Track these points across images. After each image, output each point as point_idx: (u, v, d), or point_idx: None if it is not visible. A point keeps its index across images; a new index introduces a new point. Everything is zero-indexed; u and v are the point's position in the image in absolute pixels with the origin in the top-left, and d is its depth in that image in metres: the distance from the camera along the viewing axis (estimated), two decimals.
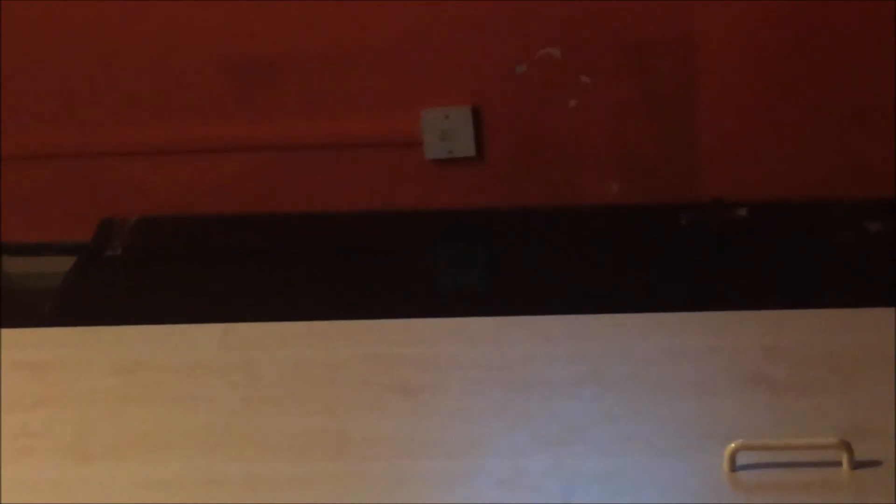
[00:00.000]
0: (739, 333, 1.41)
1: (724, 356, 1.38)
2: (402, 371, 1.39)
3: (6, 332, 1.48)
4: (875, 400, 1.31)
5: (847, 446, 1.23)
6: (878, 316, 1.41)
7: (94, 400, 1.38)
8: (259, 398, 1.37)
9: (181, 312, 1.99)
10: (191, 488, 1.27)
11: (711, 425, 1.29)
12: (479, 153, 2.32)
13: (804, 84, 2.22)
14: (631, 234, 2.23)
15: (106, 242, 2.27)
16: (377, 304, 2.04)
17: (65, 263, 2.27)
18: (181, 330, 1.48)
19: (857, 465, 1.23)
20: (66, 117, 2.36)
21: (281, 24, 2.25)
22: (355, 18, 2.23)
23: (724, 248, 2.16)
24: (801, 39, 2.19)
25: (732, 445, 1.24)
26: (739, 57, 2.21)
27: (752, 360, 1.37)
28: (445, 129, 2.29)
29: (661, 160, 2.30)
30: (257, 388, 1.38)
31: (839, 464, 1.23)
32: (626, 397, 1.34)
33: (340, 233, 2.30)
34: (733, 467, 1.24)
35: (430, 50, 2.25)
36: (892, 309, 1.41)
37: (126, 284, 2.17)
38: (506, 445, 1.29)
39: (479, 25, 2.22)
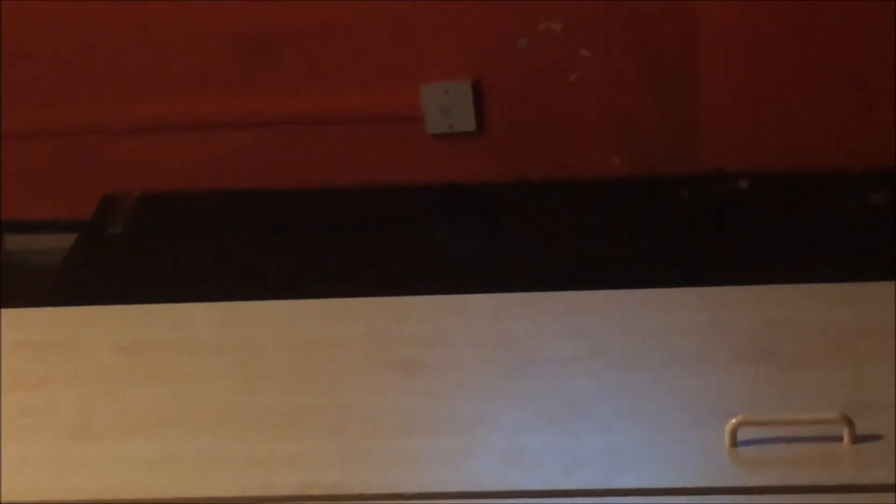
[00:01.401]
0: (741, 308, 1.41)
1: (725, 331, 1.38)
2: (403, 348, 1.39)
3: (8, 311, 1.49)
4: (876, 374, 1.31)
5: (848, 421, 1.23)
6: (879, 290, 1.41)
7: (95, 379, 1.38)
8: (260, 376, 1.37)
9: (182, 290, 2.00)
10: (193, 466, 1.27)
11: (713, 401, 1.29)
12: (480, 127, 2.31)
13: (805, 55, 2.22)
14: (632, 207, 2.23)
15: (107, 219, 2.26)
16: (378, 280, 2.04)
17: (66, 241, 2.26)
18: (182, 309, 1.48)
19: (857, 439, 1.23)
20: (66, 93, 2.36)
21: None
22: None
23: (725, 220, 2.16)
24: (801, 10, 2.18)
25: (734, 421, 1.24)
26: (739, 29, 2.21)
27: (753, 335, 1.37)
28: (446, 104, 2.29)
29: (662, 133, 2.30)
30: (259, 366, 1.39)
31: (840, 438, 1.23)
32: (627, 373, 1.34)
33: (341, 208, 2.30)
34: (734, 443, 1.24)
35: (430, 24, 2.24)
36: (894, 283, 1.41)
37: (127, 262, 2.17)
38: (507, 422, 1.29)
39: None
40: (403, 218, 2.25)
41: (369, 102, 2.30)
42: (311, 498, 1.23)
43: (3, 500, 1.25)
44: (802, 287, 1.43)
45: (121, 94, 2.35)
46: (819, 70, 2.22)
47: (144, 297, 1.51)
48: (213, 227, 2.27)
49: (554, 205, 2.25)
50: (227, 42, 2.29)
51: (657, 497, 1.21)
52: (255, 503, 1.24)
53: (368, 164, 2.35)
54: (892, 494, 1.19)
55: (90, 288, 2.07)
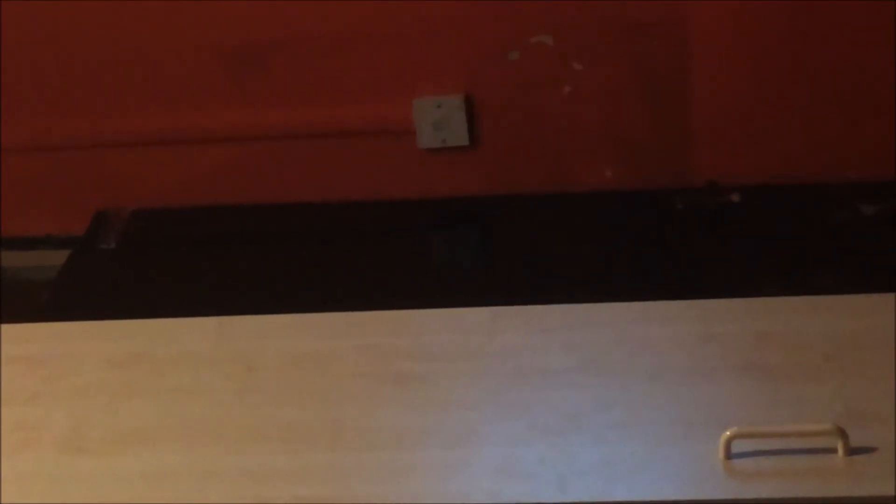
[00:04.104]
0: (734, 320, 1.41)
1: (718, 343, 1.38)
2: (396, 361, 1.39)
3: (1, 327, 1.48)
4: (870, 386, 1.31)
5: (842, 432, 1.23)
6: (871, 302, 1.41)
7: (89, 393, 1.38)
8: (254, 390, 1.37)
9: (176, 305, 1.99)
10: (186, 480, 1.27)
11: (706, 413, 1.29)
12: (473, 142, 2.31)
13: (798, 66, 2.22)
14: (625, 220, 2.23)
15: (100, 235, 2.26)
16: (371, 294, 2.04)
17: (59, 257, 2.26)
18: (176, 323, 1.48)
19: (852, 451, 1.23)
20: (57, 109, 2.36)
21: (272, 12, 2.25)
22: (347, 6, 2.23)
23: (718, 232, 2.16)
24: (794, 21, 2.18)
25: (728, 433, 1.24)
26: (732, 40, 2.21)
27: (746, 347, 1.37)
28: (438, 118, 2.29)
29: (655, 145, 2.30)
30: (252, 380, 1.38)
31: (834, 450, 1.23)
32: (621, 385, 1.34)
33: (334, 223, 2.30)
34: (728, 455, 1.24)
35: (423, 38, 2.25)
36: (887, 295, 1.41)
37: (120, 277, 2.17)
38: (501, 434, 1.29)
39: (471, 13, 2.22)
40: (396, 232, 2.25)
41: (362, 116, 2.30)
42: None
43: None
44: (795, 299, 1.43)
45: (113, 109, 2.35)
46: (813, 82, 2.23)
47: (137, 312, 1.51)
48: (206, 241, 2.27)
49: (547, 218, 2.25)
50: (219, 55, 2.29)
51: None
52: None
53: (361, 178, 2.35)
54: None
55: (83, 303, 2.07)
